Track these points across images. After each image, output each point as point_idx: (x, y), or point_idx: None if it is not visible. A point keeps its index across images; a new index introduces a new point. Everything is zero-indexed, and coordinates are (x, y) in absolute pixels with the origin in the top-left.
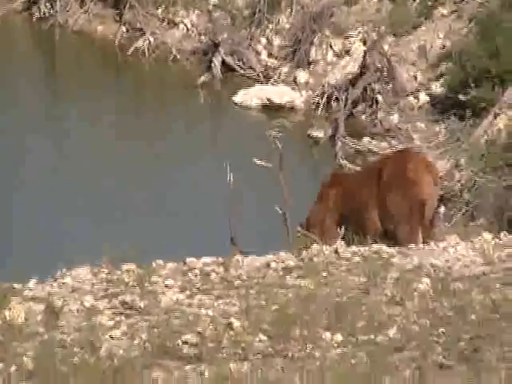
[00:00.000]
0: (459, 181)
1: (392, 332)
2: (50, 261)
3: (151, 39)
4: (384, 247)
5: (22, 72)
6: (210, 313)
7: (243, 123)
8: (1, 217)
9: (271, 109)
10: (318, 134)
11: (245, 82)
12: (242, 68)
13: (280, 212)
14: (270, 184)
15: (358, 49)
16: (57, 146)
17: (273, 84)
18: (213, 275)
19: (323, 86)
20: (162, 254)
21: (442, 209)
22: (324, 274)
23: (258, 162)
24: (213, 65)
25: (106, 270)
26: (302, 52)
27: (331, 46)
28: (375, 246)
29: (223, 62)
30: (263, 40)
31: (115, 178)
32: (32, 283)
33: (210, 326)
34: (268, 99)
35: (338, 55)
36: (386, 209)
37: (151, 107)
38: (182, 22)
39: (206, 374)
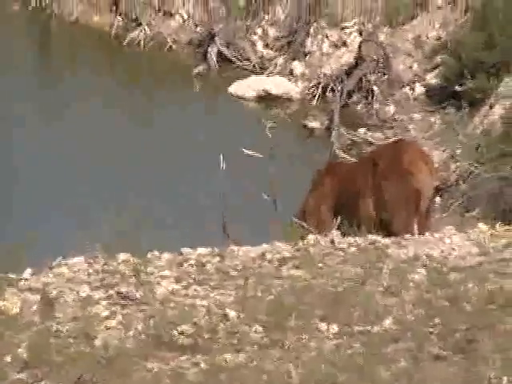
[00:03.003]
0: (455, 171)
1: (387, 323)
2: (47, 249)
3: (147, 30)
4: (380, 238)
5: (16, 64)
6: (206, 303)
7: (239, 114)
8: None
9: (267, 100)
10: (314, 124)
11: (241, 73)
12: (237, 59)
13: (267, 198)
14: (263, 174)
15: (354, 40)
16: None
17: (268, 75)
18: (208, 266)
19: (319, 76)
20: (155, 243)
21: (438, 199)
22: (320, 264)
23: (248, 151)
24: (209, 55)
25: (101, 260)
26: (298, 43)
27: (327, 37)
28: (371, 237)
29: (219, 53)
30: (259, 31)
31: (105, 165)
32: (28, 273)
33: (206, 317)
34: (264, 90)
35: (334, 46)
36: (382, 199)
37: (145, 95)
38: (178, 13)
39: (202, 364)
